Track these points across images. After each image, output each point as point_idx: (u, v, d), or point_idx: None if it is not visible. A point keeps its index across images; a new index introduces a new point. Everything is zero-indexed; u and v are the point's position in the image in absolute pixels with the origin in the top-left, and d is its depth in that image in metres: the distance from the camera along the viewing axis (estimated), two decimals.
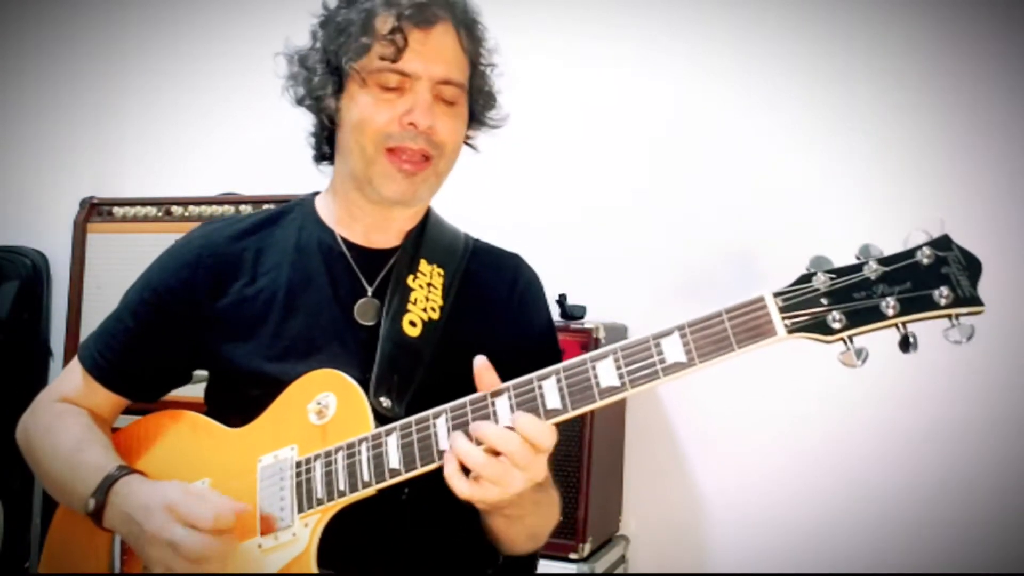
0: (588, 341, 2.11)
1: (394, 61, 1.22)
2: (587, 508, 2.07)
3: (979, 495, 2.07)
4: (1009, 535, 2.04)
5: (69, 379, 1.37)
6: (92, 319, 2.52)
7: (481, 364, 1.08)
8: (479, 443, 1.04)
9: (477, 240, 1.44)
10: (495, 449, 1.03)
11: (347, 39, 1.25)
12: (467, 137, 1.37)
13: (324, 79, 1.28)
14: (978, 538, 2.06)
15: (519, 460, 1.02)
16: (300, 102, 1.33)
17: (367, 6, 1.25)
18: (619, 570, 2.27)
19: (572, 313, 2.24)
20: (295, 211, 1.39)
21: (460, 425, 1.07)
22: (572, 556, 2.04)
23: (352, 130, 1.27)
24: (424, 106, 1.23)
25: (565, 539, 2.05)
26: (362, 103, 1.25)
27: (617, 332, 2.25)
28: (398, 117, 1.23)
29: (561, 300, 2.22)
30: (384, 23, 1.23)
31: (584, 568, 2.05)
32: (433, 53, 1.24)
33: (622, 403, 2.35)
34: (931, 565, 2.08)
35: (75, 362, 1.37)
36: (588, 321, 2.21)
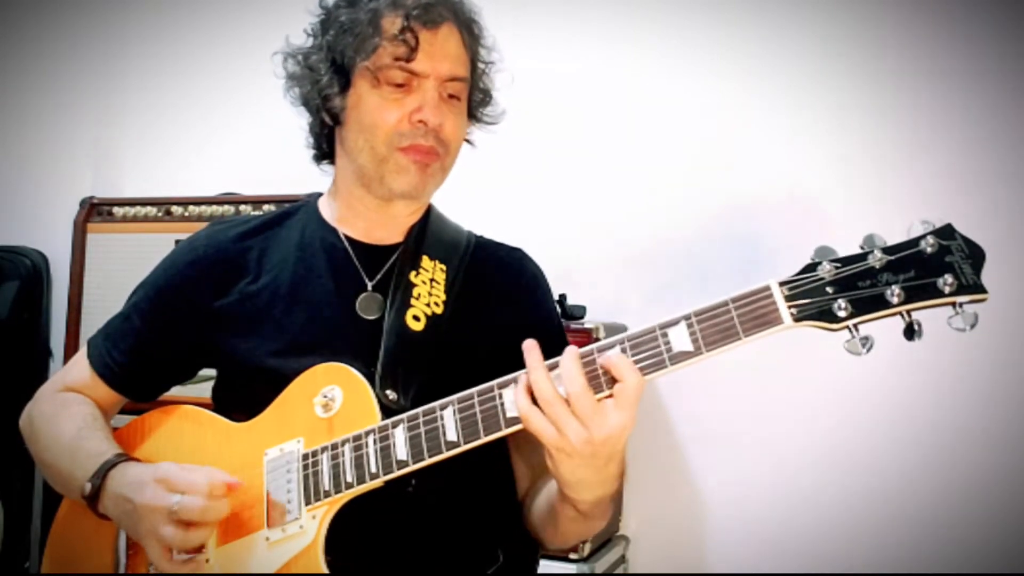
0: (588, 341, 2.09)
1: (408, 61, 1.24)
2: None
3: (981, 494, 2.06)
4: (1010, 534, 2.03)
5: (75, 371, 1.38)
6: (92, 319, 2.52)
7: (528, 343, 1.08)
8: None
9: (480, 236, 1.45)
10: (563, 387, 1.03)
11: (355, 39, 1.26)
12: (466, 134, 1.39)
13: (330, 78, 1.29)
14: (979, 538, 2.06)
15: (578, 406, 1.02)
16: (305, 102, 1.34)
17: (372, 6, 1.26)
18: (619, 570, 2.26)
19: (572, 313, 2.23)
20: (299, 212, 1.41)
21: (467, 417, 1.07)
22: (572, 556, 2.03)
23: (361, 129, 1.28)
24: (432, 104, 1.26)
25: None
26: (371, 103, 1.27)
27: (617, 332, 2.24)
28: (407, 115, 1.26)
29: (561, 300, 2.21)
30: (392, 23, 1.25)
31: (584, 568, 2.04)
32: (440, 52, 1.27)
33: None
34: (932, 565, 2.08)
35: (82, 355, 1.38)
36: (588, 321, 2.20)
